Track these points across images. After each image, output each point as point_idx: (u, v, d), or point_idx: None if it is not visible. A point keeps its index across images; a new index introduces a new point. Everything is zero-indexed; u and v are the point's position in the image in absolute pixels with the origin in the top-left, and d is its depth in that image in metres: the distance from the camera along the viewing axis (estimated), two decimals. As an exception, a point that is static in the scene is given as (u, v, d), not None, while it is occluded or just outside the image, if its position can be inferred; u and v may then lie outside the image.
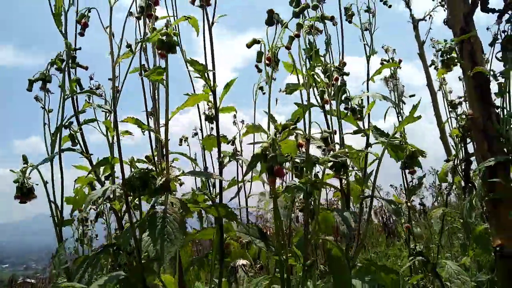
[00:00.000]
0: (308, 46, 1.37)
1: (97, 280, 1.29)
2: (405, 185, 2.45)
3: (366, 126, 1.72)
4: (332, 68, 1.32)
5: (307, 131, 1.27)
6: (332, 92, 1.37)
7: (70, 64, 1.64)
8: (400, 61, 2.34)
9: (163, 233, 1.25)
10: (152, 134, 1.64)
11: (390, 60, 2.22)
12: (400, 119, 2.31)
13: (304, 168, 1.22)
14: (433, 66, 2.52)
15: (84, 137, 1.65)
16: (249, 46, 1.27)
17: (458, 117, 2.58)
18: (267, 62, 1.30)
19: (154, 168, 1.47)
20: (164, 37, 1.33)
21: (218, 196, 1.70)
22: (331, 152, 1.21)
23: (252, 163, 1.01)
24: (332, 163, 1.25)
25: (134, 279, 1.41)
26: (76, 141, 1.63)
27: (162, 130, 1.58)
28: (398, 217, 1.60)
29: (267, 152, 0.98)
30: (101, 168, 1.65)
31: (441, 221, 2.35)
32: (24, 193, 1.50)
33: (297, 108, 1.56)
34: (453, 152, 2.57)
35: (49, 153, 1.56)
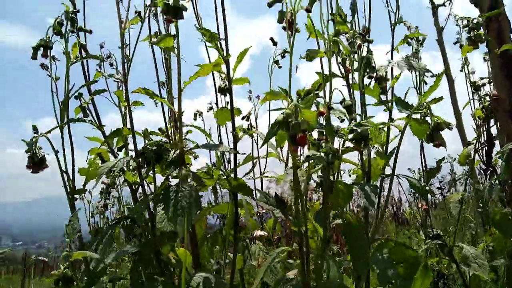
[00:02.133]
0: (331, 10, 1.29)
1: (111, 252, 1.26)
2: (423, 168, 2.38)
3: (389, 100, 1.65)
4: (355, 34, 1.24)
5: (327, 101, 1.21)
6: (355, 61, 1.30)
7: (70, 28, 1.56)
8: (424, 38, 2.26)
9: (177, 207, 1.22)
10: (165, 106, 1.59)
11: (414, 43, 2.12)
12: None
13: (325, 138, 1.16)
14: (458, 44, 2.43)
15: (96, 108, 1.60)
16: (270, 5, 1.20)
17: (482, 99, 2.49)
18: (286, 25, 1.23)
19: (168, 141, 1.42)
20: (169, 0, 1.27)
21: (233, 172, 1.66)
22: (353, 122, 1.15)
23: (273, 130, 0.95)
24: (352, 135, 1.19)
25: (147, 252, 1.38)
26: (88, 111, 1.58)
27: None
28: (423, 196, 1.54)
29: (290, 119, 0.93)
30: (115, 140, 1.61)
31: (459, 205, 2.29)
32: (36, 162, 1.47)
33: (317, 78, 1.50)
34: (472, 137, 2.50)
35: (59, 122, 1.52)
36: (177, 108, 1.33)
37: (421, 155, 2.35)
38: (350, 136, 1.18)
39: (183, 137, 1.37)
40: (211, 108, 2.21)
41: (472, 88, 2.50)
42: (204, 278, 1.34)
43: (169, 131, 1.41)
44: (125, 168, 1.43)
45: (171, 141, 1.40)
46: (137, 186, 1.58)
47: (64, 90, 1.51)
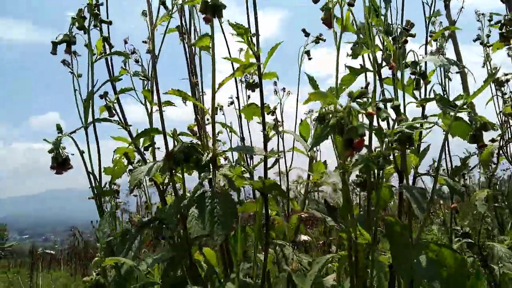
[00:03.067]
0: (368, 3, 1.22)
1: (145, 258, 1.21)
2: (448, 166, 2.34)
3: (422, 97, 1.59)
4: (399, 29, 1.18)
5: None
6: (400, 57, 1.23)
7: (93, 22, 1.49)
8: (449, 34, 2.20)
9: (213, 214, 1.16)
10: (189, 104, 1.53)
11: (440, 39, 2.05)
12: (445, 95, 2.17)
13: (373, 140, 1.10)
14: (478, 41, 2.37)
15: (122, 107, 1.54)
16: (315, 1, 1.13)
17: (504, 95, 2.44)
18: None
19: (199, 142, 1.37)
20: (209, -2, 1.21)
21: (253, 170, 1.61)
22: (397, 123, 1.09)
23: (323, 133, 0.89)
24: (398, 136, 1.13)
25: (179, 256, 1.33)
26: (114, 111, 1.52)
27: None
28: (461, 198, 1.48)
29: (343, 122, 0.87)
30: (141, 139, 1.56)
31: (486, 203, 2.24)
32: (60, 163, 1.41)
33: (347, 73, 1.43)
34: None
35: (83, 121, 1.47)
36: (211, 110, 1.27)
37: (443, 151, 2.30)
38: (395, 137, 1.13)
39: (216, 139, 1.31)
40: (232, 103, 2.15)
41: (495, 84, 2.44)
42: (239, 285, 1.30)
43: (201, 133, 1.35)
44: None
45: (203, 143, 1.35)
46: (164, 186, 1.53)
47: (87, 87, 1.45)
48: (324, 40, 2.04)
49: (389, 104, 1.23)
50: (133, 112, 1.57)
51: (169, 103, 1.39)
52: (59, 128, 1.42)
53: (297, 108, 1.97)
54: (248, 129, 2.12)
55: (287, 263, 1.39)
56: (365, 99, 1.07)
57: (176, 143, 1.35)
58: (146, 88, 1.53)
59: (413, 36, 1.27)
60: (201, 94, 1.48)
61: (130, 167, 1.73)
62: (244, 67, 1.27)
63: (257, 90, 1.77)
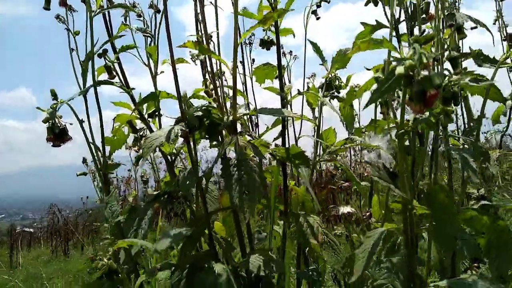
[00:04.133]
0: None
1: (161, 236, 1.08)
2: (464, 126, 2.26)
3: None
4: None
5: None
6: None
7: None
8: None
9: (241, 184, 1.03)
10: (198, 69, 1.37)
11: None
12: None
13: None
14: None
15: (122, 68, 1.37)
16: None
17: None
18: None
19: (215, 105, 1.22)
20: None
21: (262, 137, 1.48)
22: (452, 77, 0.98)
23: (389, 87, 0.77)
24: (444, 93, 1.01)
25: (198, 232, 1.20)
26: (114, 73, 1.35)
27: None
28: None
29: (413, 73, 0.74)
30: (144, 106, 1.39)
31: (498, 163, 2.18)
32: (57, 134, 1.25)
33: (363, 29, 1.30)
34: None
35: (81, 86, 1.30)
36: (232, 66, 1.12)
37: (483, 111, 2.23)
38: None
39: (236, 101, 1.16)
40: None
41: (508, 41, 2.34)
42: (264, 258, 1.19)
43: (219, 94, 1.20)
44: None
45: (220, 106, 1.20)
46: (173, 157, 1.39)
47: (85, 47, 1.27)
48: (329, 2, 1.89)
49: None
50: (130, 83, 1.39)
51: (181, 60, 1.23)
52: (53, 94, 1.25)
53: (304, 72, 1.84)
54: (253, 93, 1.99)
55: (314, 235, 1.28)
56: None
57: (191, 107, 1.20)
58: (151, 45, 1.36)
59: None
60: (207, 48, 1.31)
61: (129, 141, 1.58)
62: (265, 17, 1.12)
63: (258, 60, 1.62)
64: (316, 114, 1.80)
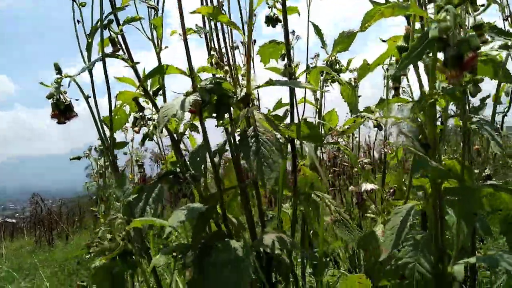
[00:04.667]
0: None
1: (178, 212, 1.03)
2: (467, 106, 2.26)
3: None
4: None
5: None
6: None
7: None
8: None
9: (260, 155, 1.00)
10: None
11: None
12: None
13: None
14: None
15: (126, 41, 1.31)
16: None
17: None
18: None
19: (227, 78, 1.18)
20: None
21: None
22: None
23: (421, 52, 0.74)
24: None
25: (210, 210, 1.17)
26: (118, 46, 1.29)
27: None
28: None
29: (447, 36, 0.71)
30: (148, 83, 1.34)
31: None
32: (62, 110, 1.19)
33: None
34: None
35: (86, 60, 1.23)
36: (248, 34, 1.07)
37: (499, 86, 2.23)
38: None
39: (251, 72, 1.12)
40: (236, 47, 1.93)
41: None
42: (278, 238, 1.16)
43: (231, 66, 1.15)
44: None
45: (233, 78, 1.15)
46: (180, 136, 1.34)
47: (91, 20, 1.21)
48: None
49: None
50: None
51: (190, 30, 1.17)
52: (57, 69, 1.18)
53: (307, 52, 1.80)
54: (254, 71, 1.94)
55: (331, 211, 1.26)
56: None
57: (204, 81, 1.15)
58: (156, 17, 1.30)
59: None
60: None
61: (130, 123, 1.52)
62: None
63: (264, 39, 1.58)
64: (318, 96, 1.78)
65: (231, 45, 1.18)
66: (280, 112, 1.52)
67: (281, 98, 1.57)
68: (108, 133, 1.27)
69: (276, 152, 1.02)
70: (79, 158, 1.81)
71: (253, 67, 1.94)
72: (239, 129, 1.34)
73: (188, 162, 1.23)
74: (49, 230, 7.37)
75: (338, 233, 1.26)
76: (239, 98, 1.11)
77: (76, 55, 1.40)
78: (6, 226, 8.38)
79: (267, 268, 1.29)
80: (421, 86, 1.05)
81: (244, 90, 1.12)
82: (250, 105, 1.14)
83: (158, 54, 1.33)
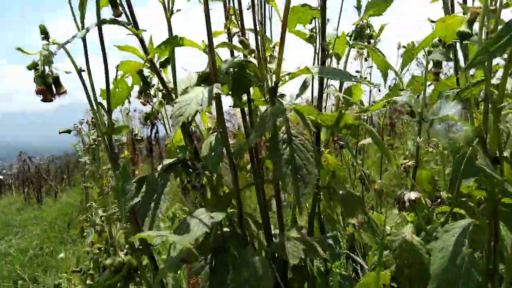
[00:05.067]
0: None
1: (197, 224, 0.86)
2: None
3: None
4: None
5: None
6: None
7: None
8: None
9: (294, 166, 0.82)
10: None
11: None
12: None
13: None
14: None
15: (130, 3, 1.08)
16: None
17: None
18: None
19: (252, 60, 0.97)
20: None
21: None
22: None
23: (507, 42, 0.54)
24: None
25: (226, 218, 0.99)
26: (121, 9, 1.06)
27: None
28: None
29: None
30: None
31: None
32: (49, 85, 0.98)
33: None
34: None
35: (79, 26, 1.01)
36: (284, 9, 0.86)
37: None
38: None
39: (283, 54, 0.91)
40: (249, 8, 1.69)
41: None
42: (306, 246, 1.00)
43: (259, 46, 0.94)
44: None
45: (260, 59, 0.95)
46: (190, 118, 1.14)
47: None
48: None
49: None
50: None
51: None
52: (44, 32, 0.96)
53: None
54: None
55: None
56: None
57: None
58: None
59: None
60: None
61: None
62: None
63: None
64: (341, 66, 1.55)
65: (260, 18, 0.96)
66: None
67: (305, 81, 1.35)
68: (105, 116, 1.07)
69: (312, 160, 0.84)
70: (69, 131, 1.62)
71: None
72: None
73: (201, 157, 1.05)
74: (38, 187, 7.23)
75: (365, 238, 1.11)
76: (267, 88, 0.91)
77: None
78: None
79: (282, 271, 1.15)
80: (488, 85, 0.85)
81: (273, 77, 0.92)
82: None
83: (168, 20, 1.11)
